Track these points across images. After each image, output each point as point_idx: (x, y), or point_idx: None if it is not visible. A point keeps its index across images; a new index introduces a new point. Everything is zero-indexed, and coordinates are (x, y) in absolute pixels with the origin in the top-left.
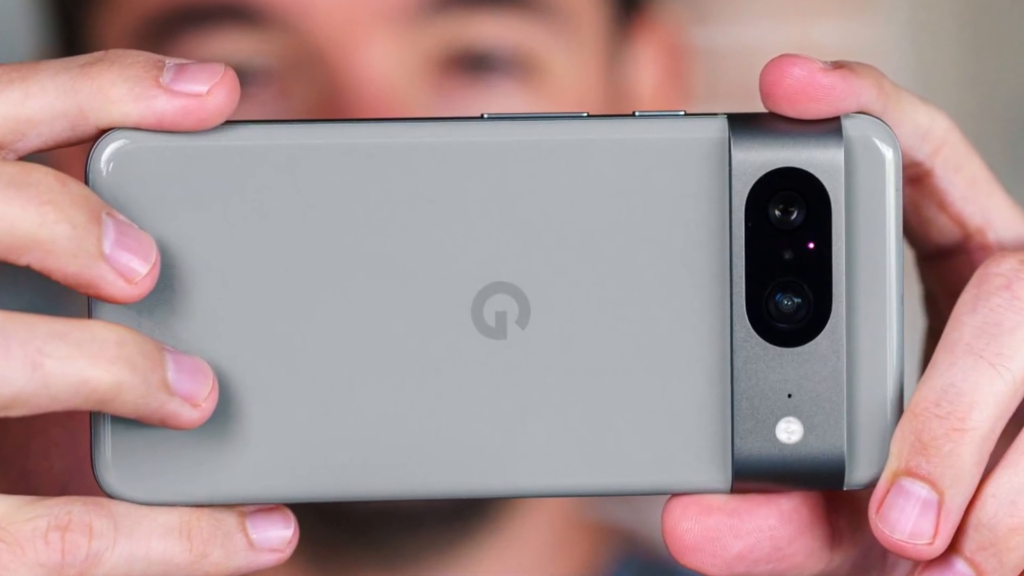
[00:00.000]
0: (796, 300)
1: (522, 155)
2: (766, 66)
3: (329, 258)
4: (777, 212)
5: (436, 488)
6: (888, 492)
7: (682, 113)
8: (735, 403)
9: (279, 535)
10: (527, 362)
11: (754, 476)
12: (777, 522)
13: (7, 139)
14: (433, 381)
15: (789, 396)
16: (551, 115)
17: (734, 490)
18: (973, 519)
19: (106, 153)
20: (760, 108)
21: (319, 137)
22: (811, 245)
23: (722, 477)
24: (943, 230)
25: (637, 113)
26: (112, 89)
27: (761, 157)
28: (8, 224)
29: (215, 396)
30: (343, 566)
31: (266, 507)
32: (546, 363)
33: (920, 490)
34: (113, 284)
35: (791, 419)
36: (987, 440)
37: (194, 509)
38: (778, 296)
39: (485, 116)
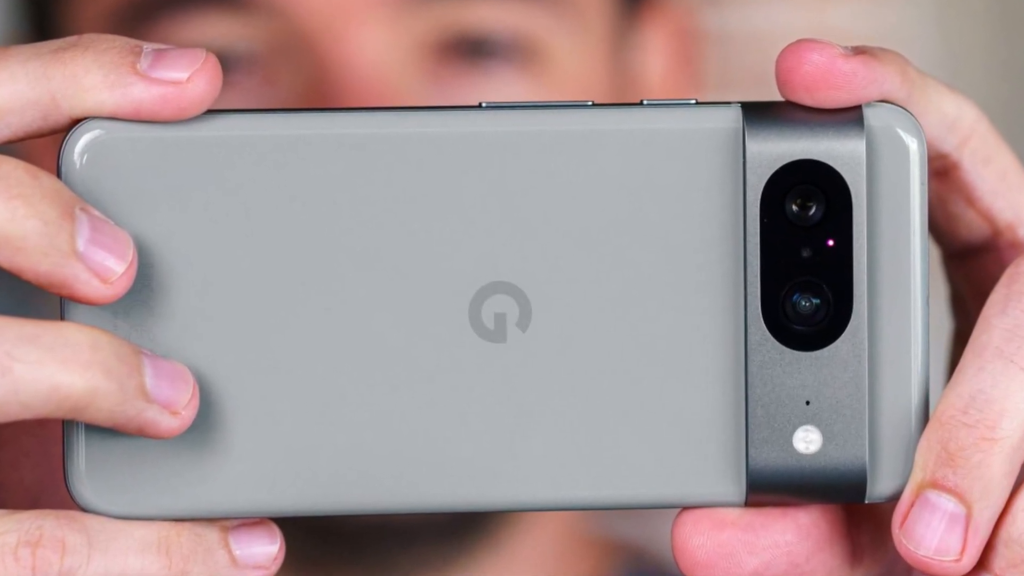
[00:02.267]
0: (815, 301)
1: (523, 146)
2: (783, 52)
3: (317, 256)
4: (794, 207)
5: (431, 501)
6: (913, 505)
7: (693, 102)
8: (750, 411)
9: (264, 551)
10: (528, 367)
11: (770, 488)
12: (794, 537)
13: None
14: (428, 387)
15: (807, 403)
16: (554, 104)
17: (749, 503)
18: (1003, 534)
19: (80, 144)
20: (776, 96)
21: (306, 127)
22: (831, 242)
23: (736, 489)
24: (971, 226)
25: (645, 102)
26: (86, 76)
27: (777, 149)
28: None
29: (195, 403)
30: None
31: (250, 521)
32: (548, 368)
33: (947, 503)
34: (87, 284)
35: (809, 428)
36: (1018, 450)
37: (173, 524)
38: (795, 297)
39: (483, 105)
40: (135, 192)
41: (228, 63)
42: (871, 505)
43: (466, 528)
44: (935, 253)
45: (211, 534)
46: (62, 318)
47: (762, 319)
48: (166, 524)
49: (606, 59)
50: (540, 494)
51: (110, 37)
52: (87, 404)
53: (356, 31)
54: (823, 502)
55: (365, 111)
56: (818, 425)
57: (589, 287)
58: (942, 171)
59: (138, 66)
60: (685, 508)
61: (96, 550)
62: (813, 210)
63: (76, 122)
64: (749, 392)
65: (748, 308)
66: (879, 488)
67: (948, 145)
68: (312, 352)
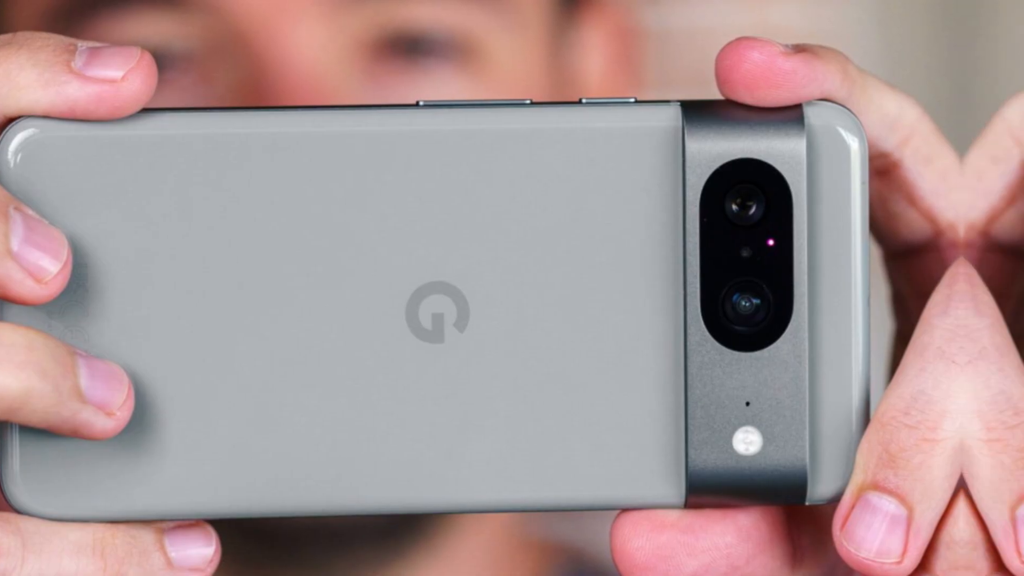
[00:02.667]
0: (754, 301)
1: (461, 145)
2: (722, 50)
3: (253, 256)
4: (734, 206)
5: (368, 503)
6: (853, 507)
7: (632, 100)
8: (689, 412)
9: (199, 553)
10: (466, 367)
11: (710, 490)
12: (734, 539)
13: None
14: (365, 388)
15: (747, 404)
16: (492, 102)
17: (688, 505)
18: (945, 536)
19: (14, 143)
20: (716, 95)
21: (242, 126)
22: (771, 242)
23: (675, 491)
24: (912, 226)
25: (584, 100)
26: (20, 74)
27: (717, 147)
28: None
29: (131, 404)
30: None
31: (186, 523)
32: (486, 369)
33: (888, 505)
34: (21, 284)
35: (749, 429)
36: (959, 451)
37: (108, 526)
38: (735, 297)
39: (421, 103)
40: (69, 191)
41: (164, 61)
42: (812, 507)
43: (403, 530)
44: (876, 253)
45: (146, 536)
46: None
47: (702, 319)
48: (101, 526)
49: (545, 57)
50: (479, 496)
51: (45, 35)
52: (21, 405)
53: (292, 29)
54: (763, 503)
55: (301, 109)
56: (758, 426)
57: (527, 287)
58: (883, 170)
59: (73, 64)
60: (624, 510)
61: (30, 552)
62: (753, 209)
63: (10, 121)
64: (689, 393)
65: (688, 308)
66: (820, 489)
67: (889, 144)
68: (248, 353)
